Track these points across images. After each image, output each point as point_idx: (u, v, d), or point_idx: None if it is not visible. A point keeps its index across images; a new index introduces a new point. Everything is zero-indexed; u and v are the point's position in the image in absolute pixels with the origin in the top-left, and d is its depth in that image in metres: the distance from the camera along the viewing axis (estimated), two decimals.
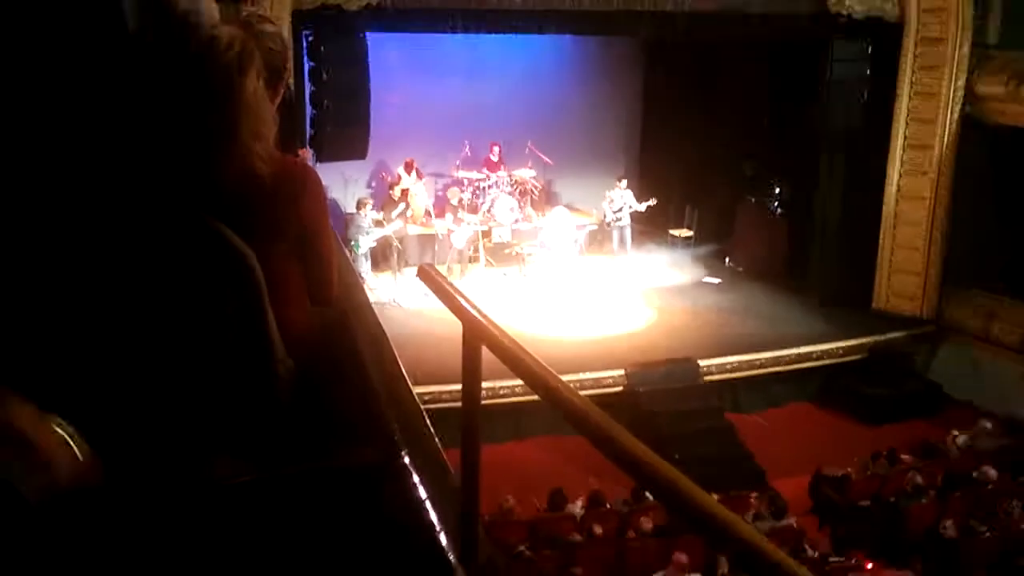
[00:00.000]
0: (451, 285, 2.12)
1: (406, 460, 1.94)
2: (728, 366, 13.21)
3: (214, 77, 1.86)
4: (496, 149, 15.82)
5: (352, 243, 13.29)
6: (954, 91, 14.26)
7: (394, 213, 14.64)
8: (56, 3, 1.79)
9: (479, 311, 1.96)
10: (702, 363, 13.00)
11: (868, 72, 14.54)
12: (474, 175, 15.68)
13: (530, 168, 15.97)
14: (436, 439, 2.17)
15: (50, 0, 1.80)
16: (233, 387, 1.91)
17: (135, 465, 1.77)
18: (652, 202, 15.90)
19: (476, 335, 1.94)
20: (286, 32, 11.41)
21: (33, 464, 1.53)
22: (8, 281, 1.75)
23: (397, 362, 2.35)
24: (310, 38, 12.26)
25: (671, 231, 16.90)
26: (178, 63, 1.87)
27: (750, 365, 13.35)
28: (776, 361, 13.49)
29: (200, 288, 1.89)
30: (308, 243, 2.08)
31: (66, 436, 1.58)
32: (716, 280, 15.94)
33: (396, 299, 13.59)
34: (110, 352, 1.82)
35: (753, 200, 16.51)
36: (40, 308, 1.79)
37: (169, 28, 1.89)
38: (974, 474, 10.76)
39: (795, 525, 9.83)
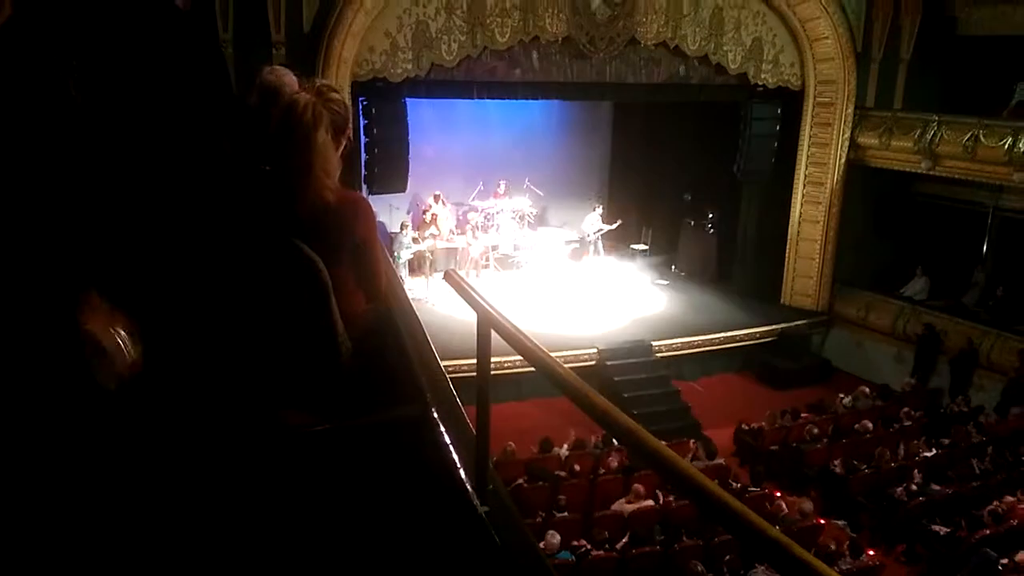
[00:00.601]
0: (469, 285, 2.11)
1: (435, 415, 1.94)
2: (674, 345, 13.17)
3: (295, 131, 1.87)
4: (502, 184, 15.78)
5: (395, 255, 13.27)
6: (842, 142, 14.26)
7: (427, 232, 14.63)
8: (187, 75, 1.80)
9: (489, 304, 1.95)
10: (654, 343, 12.97)
11: (778, 128, 14.53)
12: (486, 204, 15.65)
13: (527, 199, 15.95)
14: (457, 399, 2.16)
15: (184, 73, 1.80)
16: (306, 359, 1.91)
17: (230, 416, 1.77)
18: (619, 223, 15.91)
19: (487, 322, 1.94)
20: (347, 98, 11.40)
21: (101, 359, 1.52)
22: (149, 277, 1.76)
23: (428, 342, 2.34)
24: (364, 103, 12.24)
25: (631, 245, 16.85)
26: (268, 120, 1.88)
27: (690, 345, 13.31)
28: (710, 342, 13.47)
29: (283, 287, 1.89)
30: (362, 253, 2.08)
31: (121, 340, 1.56)
32: (665, 282, 15.88)
33: (428, 296, 13.57)
34: (216, 332, 1.83)
35: (692, 222, 16.46)
36: (174, 299, 1.80)
37: (259, 94, 1.90)
38: (855, 426, 10.76)
39: (723, 464, 9.82)
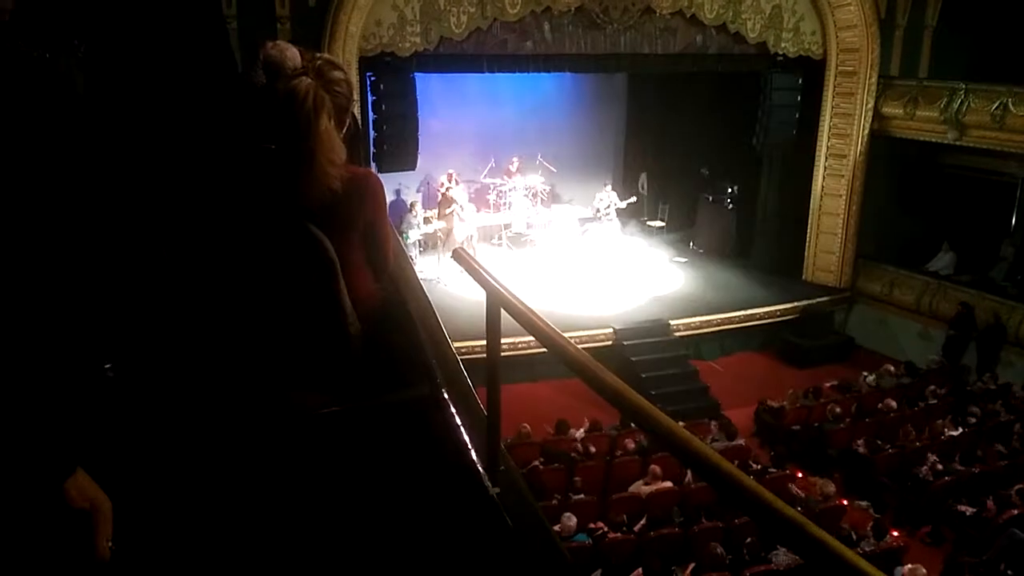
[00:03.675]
0: (478, 264, 2.11)
1: (446, 396, 1.95)
2: (692, 324, 13.13)
3: (296, 119, 1.87)
4: (515, 161, 15.74)
5: (403, 234, 13.29)
6: (865, 112, 14.09)
7: (446, 210, 14.61)
8: (191, 54, 1.81)
9: (499, 283, 1.95)
10: (672, 322, 12.94)
11: (799, 98, 14.37)
12: (498, 181, 15.62)
13: (540, 175, 15.89)
14: (469, 380, 2.17)
15: (188, 52, 1.81)
16: (315, 340, 1.92)
17: (243, 399, 1.79)
18: (632, 200, 15.85)
19: (497, 302, 1.94)
20: (353, 73, 11.37)
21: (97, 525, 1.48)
22: (167, 259, 1.78)
23: (439, 322, 2.35)
24: (372, 78, 12.19)
25: (648, 221, 16.78)
26: (271, 105, 1.88)
27: (709, 324, 13.27)
28: (729, 320, 13.42)
29: (290, 268, 1.91)
30: (370, 230, 2.08)
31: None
32: (683, 259, 15.82)
33: (439, 276, 13.59)
34: (226, 314, 1.85)
35: (710, 197, 16.36)
36: (187, 279, 1.82)
37: (262, 70, 1.90)
38: (879, 405, 10.71)
39: (743, 445, 9.82)
